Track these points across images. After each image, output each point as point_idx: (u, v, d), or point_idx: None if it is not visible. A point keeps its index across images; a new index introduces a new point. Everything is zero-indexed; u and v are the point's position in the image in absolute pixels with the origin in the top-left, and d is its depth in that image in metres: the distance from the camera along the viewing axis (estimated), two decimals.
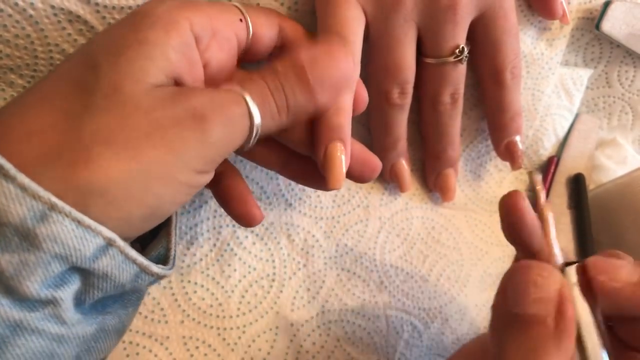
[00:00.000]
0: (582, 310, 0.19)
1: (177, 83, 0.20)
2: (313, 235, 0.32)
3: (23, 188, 0.16)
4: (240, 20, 0.23)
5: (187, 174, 0.19)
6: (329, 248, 0.32)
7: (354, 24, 0.25)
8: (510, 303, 0.19)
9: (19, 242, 0.16)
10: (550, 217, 0.21)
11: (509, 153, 0.32)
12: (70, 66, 0.20)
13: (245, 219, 0.26)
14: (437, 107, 0.30)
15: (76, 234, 0.17)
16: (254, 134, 0.21)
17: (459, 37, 0.28)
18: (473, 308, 0.34)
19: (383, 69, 0.27)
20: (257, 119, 0.21)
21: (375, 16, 0.26)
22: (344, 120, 0.24)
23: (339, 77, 0.22)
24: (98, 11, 0.25)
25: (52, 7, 0.24)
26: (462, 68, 0.29)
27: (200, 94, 0.20)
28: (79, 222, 0.17)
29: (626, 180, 0.33)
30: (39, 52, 0.25)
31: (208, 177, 0.21)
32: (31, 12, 0.24)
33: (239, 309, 0.30)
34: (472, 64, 0.30)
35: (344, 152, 0.23)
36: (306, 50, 0.22)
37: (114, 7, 0.25)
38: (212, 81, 0.22)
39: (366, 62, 0.28)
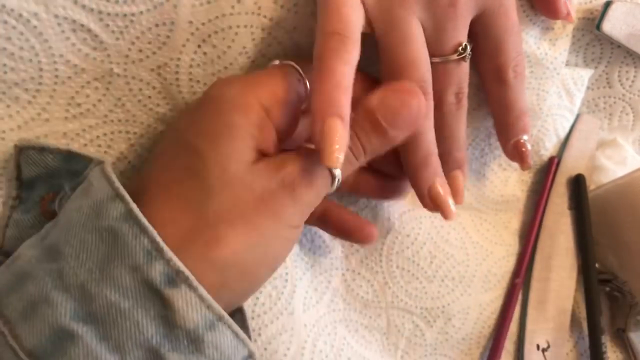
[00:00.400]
0: None
1: (261, 152, 0.23)
2: (320, 236, 0.32)
3: (201, 298, 0.19)
4: (299, 80, 0.25)
5: (289, 231, 0.22)
6: (335, 249, 0.32)
7: (354, 17, 0.25)
8: None
9: (187, 345, 0.19)
10: None
11: (517, 153, 0.32)
12: (172, 154, 0.23)
13: (366, 240, 0.30)
14: (441, 108, 0.29)
15: (232, 344, 0.20)
16: (336, 182, 0.23)
17: (461, 35, 0.28)
18: (477, 307, 0.35)
19: (396, 67, 0.26)
20: (338, 173, 0.23)
21: (379, 11, 0.26)
22: (341, 95, 0.23)
23: (409, 114, 0.24)
24: (101, 19, 0.24)
25: (56, 16, 0.23)
26: (466, 66, 0.29)
27: (287, 165, 0.22)
28: (236, 335, 0.20)
29: (626, 181, 0.34)
30: (44, 64, 0.24)
31: (302, 228, 0.24)
32: (35, 22, 0.23)
33: (253, 311, 0.30)
34: (474, 64, 0.30)
35: (342, 128, 0.22)
36: (375, 95, 0.24)
37: (117, 15, 0.24)
38: (286, 137, 0.25)
39: (377, 62, 0.27)
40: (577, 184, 0.35)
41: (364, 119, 0.23)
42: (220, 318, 0.20)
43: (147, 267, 0.19)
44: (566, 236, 0.35)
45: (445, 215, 0.28)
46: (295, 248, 0.31)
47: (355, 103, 0.25)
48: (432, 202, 0.28)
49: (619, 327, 0.36)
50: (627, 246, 0.34)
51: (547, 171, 0.36)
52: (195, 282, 0.19)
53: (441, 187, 0.28)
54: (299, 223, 0.23)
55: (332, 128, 0.22)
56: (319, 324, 0.31)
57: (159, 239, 0.19)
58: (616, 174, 0.36)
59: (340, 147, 0.22)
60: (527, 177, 0.37)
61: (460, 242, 0.35)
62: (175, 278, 0.19)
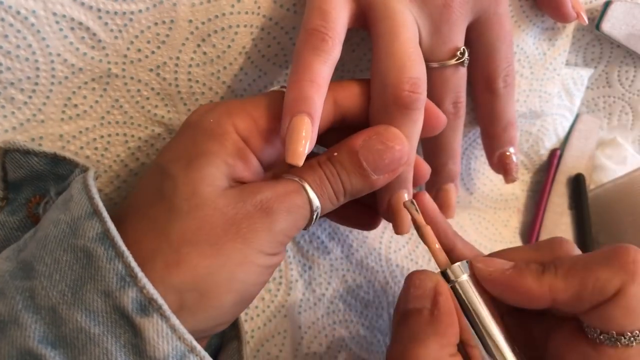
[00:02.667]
0: (472, 298, 0.23)
1: (240, 181, 0.22)
2: (318, 237, 0.32)
3: (173, 329, 0.19)
4: None
5: (262, 258, 0.21)
6: (334, 250, 0.32)
7: (337, 14, 0.24)
8: (400, 304, 0.24)
9: None
10: (429, 231, 0.25)
11: (501, 165, 0.31)
12: (148, 178, 0.22)
13: (367, 226, 0.29)
14: None
15: None
16: (314, 217, 0.23)
17: (457, 39, 0.27)
18: None
19: (388, 56, 0.24)
20: (317, 204, 0.23)
21: (372, 2, 0.25)
22: (313, 92, 0.22)
23: (392, 160, 0.23)
24: (100, 17, 0.24)
25: (54, 14, 0.23)
26: (463, 73, 0.28)
27: (264, 189, 0.22)
28: None
29: (626, 180, 0.34)
30: (41, 64, 0.24)
31: (281, 257, 0.23)
32: (33, 20, 0.23)
33: (247, 313, 0.30)
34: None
35: (310, 126, 0.22)
36: (360, 135, 0.23)
37: (116, 13, 0.24)
38: (271, 169, 0.25)
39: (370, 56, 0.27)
40: (577, 183, 0.35)
41: (346, 159, 0.23)
42: (192, 350, 0.19)
43: (120, 293, 0.19)
44: (566, 236, 0.35)
45: (397, 229, 0.26)
46: (292, 250, 0.31)
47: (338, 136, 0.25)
48: (389, 212, 0.26)
49: None
50: None
51: (549, 164, 0.36)
52: (168, 312, 0.19)
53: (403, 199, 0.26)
54: (273, 251, 0.22)
55: (299, 125, 0.22)
56: (316, 326, 0.31)
57: (134, 264, 0.19)
58: (616, 173, 0.36)
59: (304, 145, 0.21)
60: (527, 176, 0.37)
61: None
62: (147, 306, 0.19)
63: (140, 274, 0.19)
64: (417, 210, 0.25)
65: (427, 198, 0.28)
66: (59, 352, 0.18)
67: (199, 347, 0.19)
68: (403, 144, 0.23)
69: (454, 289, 0.23)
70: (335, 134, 0.25)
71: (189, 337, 0.19)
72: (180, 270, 0.20)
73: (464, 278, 0.23)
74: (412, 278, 0.24)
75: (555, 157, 0.36)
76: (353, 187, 0.23)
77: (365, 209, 0.29)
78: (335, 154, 0.23)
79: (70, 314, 0.18)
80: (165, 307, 0.19)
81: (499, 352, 0.23)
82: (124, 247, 0.19)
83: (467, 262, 0.24)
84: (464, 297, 0.23)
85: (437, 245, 0.25)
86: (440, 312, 0.22)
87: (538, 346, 0.25)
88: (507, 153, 0.31)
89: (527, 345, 0.25)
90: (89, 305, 0.18)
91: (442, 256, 0.24)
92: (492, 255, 0.25)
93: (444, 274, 0.24)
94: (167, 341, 0.19)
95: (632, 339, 0.21)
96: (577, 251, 0.24)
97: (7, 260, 0.20)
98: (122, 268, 0.19)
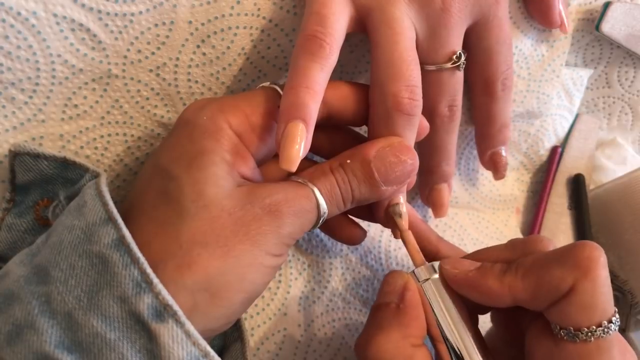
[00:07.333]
0: (439, 296, 0.24)
1: (240, 177, 0.23)
2: (317, 236, 0.32)
3: (188, 334, 0.19)
4: (279, 106, 0.24)
5: (269, 259, 0.22)
6: (333, 248, 0.32)
7: (336, 19, 0.24)
8: (375, 301, 0.26)
9: None
10: (410, 235, 0.26)
11: (492, 163, 0.32)
12: (149, 179, 0.23)
13: (351, 241, 0.29)
14: (434, 120, 0.28)
15: None
16: (320, 221, 0.23)
17: (455, 43, 0.27)
18: None
19: (387, 63, 0.24)
20: (324, 209, 0.23)
21: (371, 8, 0.25)
22: (309, 98, 0.23)
23: (403, 172, 0.24)
24: (101, 19, 0.24)
25: (55, 15, 0.23)
26: (460, 76, 0.28)
27: (273, 191, 0.22)
28: None
29: (626, 180, 0.34)
30: (41, 64, 0.24)
31: (285, 257, 0.23)
32: (34, 21, 0.23)
33: (247, 312, 0.30)
34: (464, 73, 0.29)
35: (304, 132, 0.22)
36: (373, 145, 0.24)
37: (116, 14, 0.24)
38: (264, 165, 0.25)
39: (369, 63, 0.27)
40: (577, 183, 0.35)
41: (358, 168, 0.24)
42: (205, 355, 0.19)
43: (136, 299, 0.19)
44: (566, 236, 0.35)
45: (395, 234, 0.28)
46: (291, 249, 0.31)
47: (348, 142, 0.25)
48: (386, 217, 0.27)
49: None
50: (627, 246, 0.34)
51: (549, 162, 0.36)
52: (183, 318, 0.19)
53: (401, 206, 0.27)
54: (280, 252, 0.22)
55: (294, 131, 0.22)
56: (315, 324, 0.31)
57: (149, 270, 0.19)
58: (616, 173, 0.36)
59: (298, 151, 0.22)
60: (527, 177, 0.37)
61: (458, 239, 0.35)
62: (163, 312, 0.19)
63: (156, 280, 0.19)
64: (400, 216, 0.26)
65: (409, 208, 0.29)
66: (74, 357, 0.18)
67: (212, 352, 0.19)
68: (415, 158, 0.24)
69: (422, 287, 0.25)
70: (321, 133, 0.26)
71: (203, 343, 0.19)
72: (191, 271, 0.20)
73: (434, 277, 0.25)
74: (386, 277, 0.26)
75: (556, 154, 0.36)
76: (361, 195, 0.24)
77: (351, 223, 0.29)
78: (348, 161, 0.24)
79: (86, 319, 0.19)
80: (180, 313, 0.19)
81: (460, 346, 0.24)
82: (139, 254, 0.19)
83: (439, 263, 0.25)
84: (431, 294, 0.24)
85: (416, 248, 0.26)
86: (406, 305, 0.24)
87: (522, 342, 0.25)
88: (499, 152, 0.32)
89: (515, 342, 0.26)
90: (104, 311, 0.19)
91: (419, 258, 0.26)
92: (470, 255, 0.26)
93: (415, 273, 0.25)
94: (182, 346, 0.19)
95: (589, 334, 0.21)
96: (553, 248, 0.25)
97: (21, 265, 0.21)
98: (138, 274, 0.19)
